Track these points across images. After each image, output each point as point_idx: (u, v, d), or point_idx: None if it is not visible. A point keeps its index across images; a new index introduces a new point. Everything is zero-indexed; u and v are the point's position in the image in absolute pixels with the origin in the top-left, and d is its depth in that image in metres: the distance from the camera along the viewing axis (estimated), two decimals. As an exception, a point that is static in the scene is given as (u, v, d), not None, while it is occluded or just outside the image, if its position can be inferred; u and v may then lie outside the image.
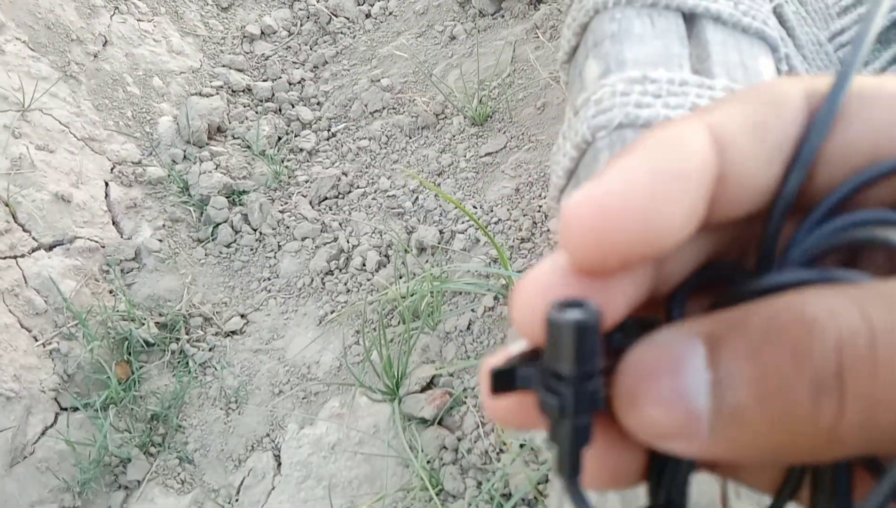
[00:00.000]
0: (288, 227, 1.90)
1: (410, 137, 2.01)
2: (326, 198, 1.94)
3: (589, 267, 0.17)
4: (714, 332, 0.16)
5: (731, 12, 0.55)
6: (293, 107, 2.18)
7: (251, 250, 1.88)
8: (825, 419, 0.15)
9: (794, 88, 0.18)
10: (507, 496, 1.26)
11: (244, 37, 2.36)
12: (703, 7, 0.55)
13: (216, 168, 1.99)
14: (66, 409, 1.58)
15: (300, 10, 2.42)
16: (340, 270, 1.79)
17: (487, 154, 1.87)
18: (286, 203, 1.95)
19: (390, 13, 2.36)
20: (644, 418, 0.16)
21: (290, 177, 2.00)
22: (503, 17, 2.15)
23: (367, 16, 2.38)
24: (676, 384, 0.16)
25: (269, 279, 1.83)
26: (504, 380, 0.18)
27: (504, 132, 1.90)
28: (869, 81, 0.18)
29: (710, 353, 0.16)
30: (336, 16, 2.39)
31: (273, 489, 1.48)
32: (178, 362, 1.70)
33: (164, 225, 1.89)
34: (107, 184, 1.93)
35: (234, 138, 2.10)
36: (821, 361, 0.15)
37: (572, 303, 0.17)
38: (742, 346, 0.15)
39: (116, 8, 2.23)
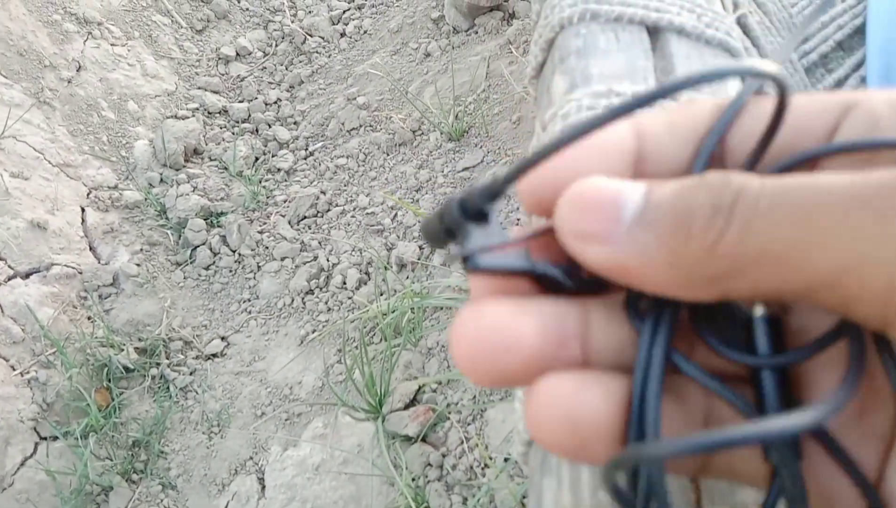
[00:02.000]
0: (267, 247, 1.89)
1: (388, 154, 2.01)
2: (305, 217, 1.94)
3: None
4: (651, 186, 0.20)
5: (694, 24, 0.56)
6: (270, 127, 2.18)
7: (230, 271, 1.87)
8: (713, 232, 0.18)
9: (707, 103, 0.23)
10: (493, 511, 1.26)
11: (219, 58, 2.36)
12: (666, 20, 0.56)
13: (193, 190, 1.98)
14: (45, 438, 1.56)
15: (275, 30, 2.43)
16: (321, 289, 1.78)
17: (465, 169, 1.88)
18: (265, 223, 1.95)
19: (365, 32, 2.37)
20: (570, 221, 0.20)
21: (268, 197, 2.00)
22: (476, 33, 2.16)
23: (342, 35, 2.39)
24: (610, 200, 0.19)
25: (248, 301, 1.82)
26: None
27: (481, 147, 1.91)
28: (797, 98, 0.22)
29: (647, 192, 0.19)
30: (311, 35, 2.39)
31: (258, 512, 1.47)
32: (159, 387, 1.69)
33: (141, 249, 1.88)
34: (83, 209, 1.91)
35: (211, 160, 2.09)
36: (721, 194, 0.18)
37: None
38: (671, 186, 0.19)
39: (90, 33, 2.23)
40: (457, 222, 0.21)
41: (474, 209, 0.21)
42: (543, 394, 0.20)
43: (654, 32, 0.57)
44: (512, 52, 2.03)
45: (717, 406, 0.21)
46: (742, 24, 0.64)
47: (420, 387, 1.50)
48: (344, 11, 2.44)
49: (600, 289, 0.21)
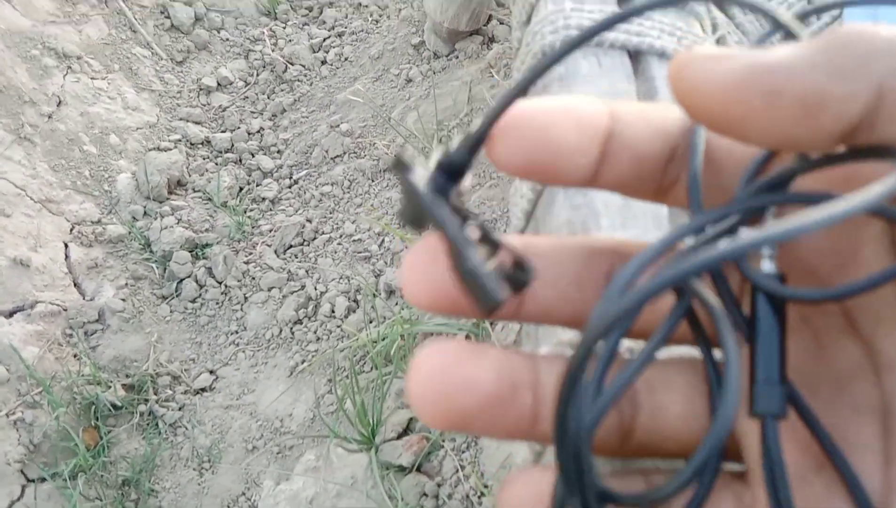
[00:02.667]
0: (254, 278, 1.87)
1: (373, 180, 2.00)
2: (291, 246, 1.93)
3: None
4: None
5: (674, 47, 0.56)
6: (253, 156, 2.17)
7: (217, 303, 1.85)
8: None
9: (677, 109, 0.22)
10: (491, 539, 1.24)
11: (200, 89, 2.35)
12: (647, 44, 0.56)
13: (177, 223, 1.96)
14: (32, 480, 1.53)
15: (255, 59, 2.43)
16: (309, 318, 1.77)
17: (450, 193, 1.87)
18: (251, 254, 1.93)
19: (346, 59, 2.37)
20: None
21: (253, 227, 1.99)
22: (457, 57, 2.17)
23: (323, 62, 2.39)
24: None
25: (236, 333, 1.80)
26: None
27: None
28: None
29: None
30: (292, 64, 2.39)
31: (251, 549, 1.44)
32: (148, 423, 1.66)
33: (126, 284, 1.86)
34: (66, 245, 1.89)
35: (195, 191, 2.08)
36: None
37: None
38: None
39: (69, 67, 2.22)
40: (440, 188, 0.20)
41: (455, 167, 0.21)
42: (425, 364, 0.20)
43: (636, 56, 0.57)
44: (493, 76, 2.03)
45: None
46: (722, 45, 0.64)
47: (413, 416, 1.49)
48: (324, 39, 2.45)
49: None
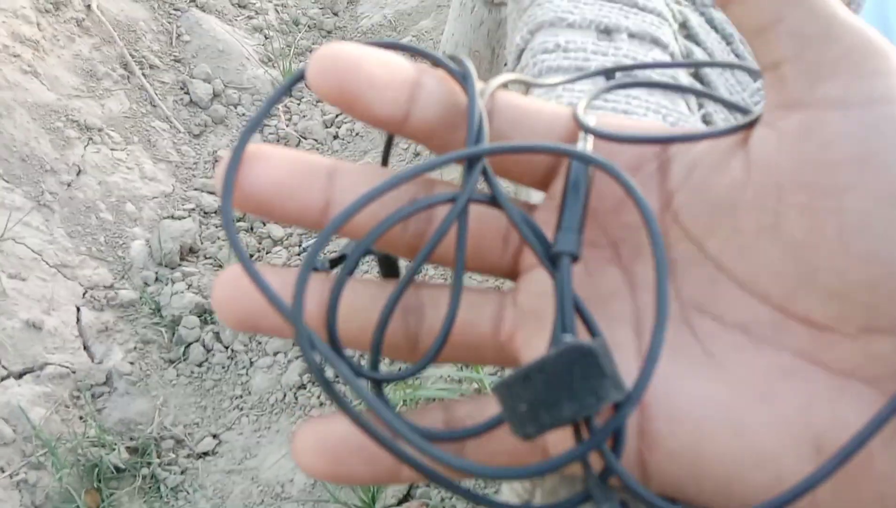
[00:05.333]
0: (260, 342, 1.90)
1: (380, 250, 2.05)
2: (298, 313, 1.96)
3: None
4: None
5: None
6: (264, 225, 2.23)
7: (223, 367, 1.88)
8: None
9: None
10: None
11: (216, 161, 2.43)
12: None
13: (188, 288, 2.01)
14: (32, 543, 1.53)
15: (270, 134, 2.51)
16: (313, 383, 1.79)
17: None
18: (258, 320, 1.96)
19: (356, 134, 2.46)
20: None
21: (261, 294, 2.02)
22: (465, 132, 2.24)
23: (335, 137, 2.48)
24: None
25: (241, 397, 1.81)
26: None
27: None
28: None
29: None
30: (305, 138, 2.48)
31: None
32: (150, 487, 1.67)
33: (135, 347, 1.89)
34: (78, 309, 1.93)
35: (206, 258, 2.13)
36: None
37: None
38: None
39: (90, 139, 2.30)
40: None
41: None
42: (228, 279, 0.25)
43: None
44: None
45: None
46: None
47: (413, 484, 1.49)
48: (336, 115, 2.54)
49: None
